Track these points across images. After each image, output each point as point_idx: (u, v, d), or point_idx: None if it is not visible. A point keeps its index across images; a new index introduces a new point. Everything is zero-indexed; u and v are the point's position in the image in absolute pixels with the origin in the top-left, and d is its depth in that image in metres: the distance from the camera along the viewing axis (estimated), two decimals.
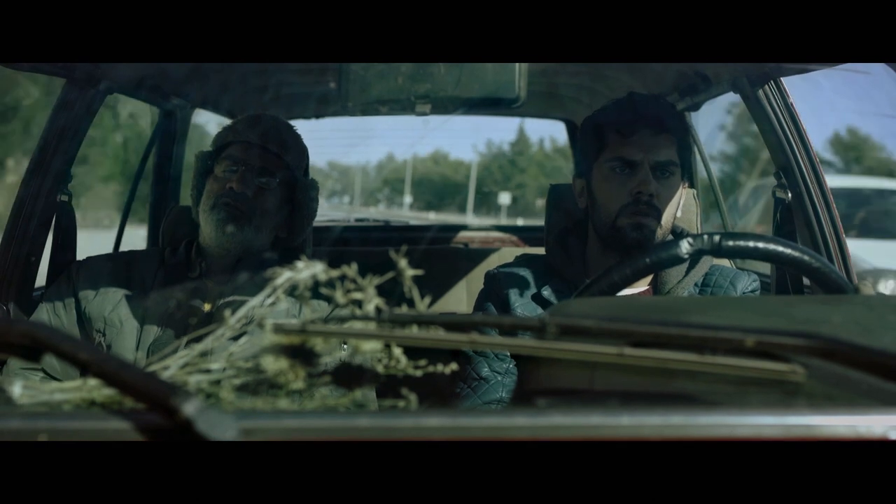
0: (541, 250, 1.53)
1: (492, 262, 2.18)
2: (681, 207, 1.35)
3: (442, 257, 2.35)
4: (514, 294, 1.36)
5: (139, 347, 1.36)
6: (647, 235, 1.27)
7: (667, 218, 1.30)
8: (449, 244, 2.70)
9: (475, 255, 2.37)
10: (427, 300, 0.63)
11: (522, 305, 1.34)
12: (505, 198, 29.71)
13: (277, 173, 1.44)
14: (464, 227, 2.85)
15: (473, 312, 1.43)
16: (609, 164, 1.31)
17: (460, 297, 2.26)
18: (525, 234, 2.80)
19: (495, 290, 1.38)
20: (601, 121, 1.35)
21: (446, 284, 2.28)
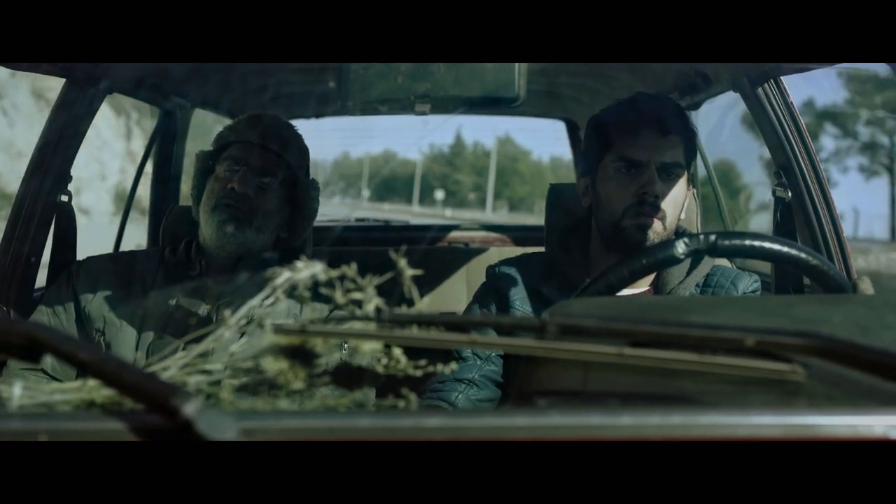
0: (540, 250, 1.53)
1: (491, 261, 2.18)
2: (685, 210, 1.35)
3: (441, 257, 2.35)
4: (513, 289, 1.36)
5: (139, 348, 1.36)
6: (650, 236, 1.27)
7: (671, 220, 1.29)
8: (448, 244, 2.70)
9: (475, 255, 2.37)
10: (427, 300, 0.63)
11: (522, 301, 1.34)
12: (439, 194, 40.06)
13: (278, 173, 1.44)
14: (462, 227, 2.86)
15: (470, 305, 1.43)
16: (615, 164, 1.30)
17: (459, 297, 2.26)
18: (524, 234, 2.80)
19: (495, 285, 1.39)
20: (608, 120, 1.35)
21: (446, 284, 2.28)
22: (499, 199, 42.70)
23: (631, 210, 1.28)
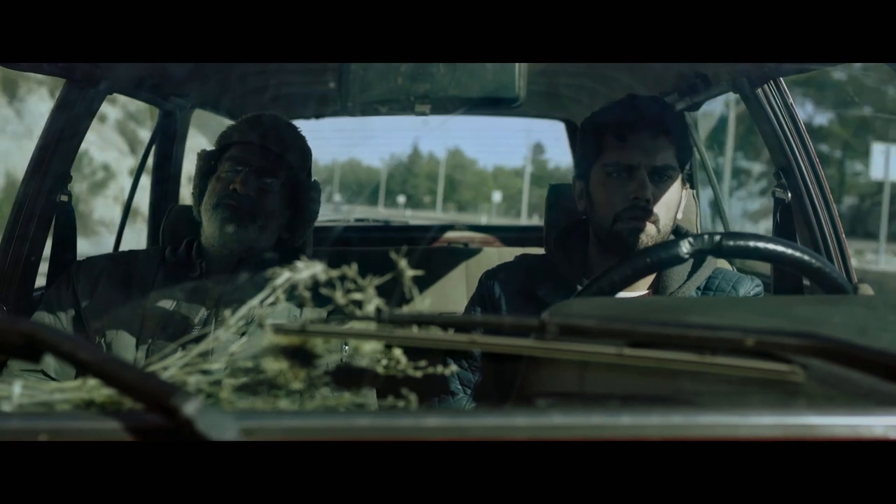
0: (541, 250, 1.53)
1: (492, 262, 2.18)
2: (682, 210, 1.35)
3: (441, 257, 2.36)
4: (508, 292, 1.36)
5: (139, 347, 1.36)
6: (643, 240, 1.27)
7: (665, 222, 1.29)
8: (448, 244, 2.70)
9: (474, 255, 2.37)
10: (426, 300, 0.63)
11: (516, 304, 1.34)
12: (401, 198, 47.44)
13: (280, 174, 1.44)
14: (462, 228, 2.86)
15: (465, 311, 1.44)
16: (606, 169, 1.31)
17: (459, 297, 2.26)
18: (524, 235, 2.80)
19: (489, 289, 1.39)
20: (599, 123, 1.35)
21: (445, 284, 2.29)
22: (448, 201, 50.96)
23: (624, 214, 1.28)
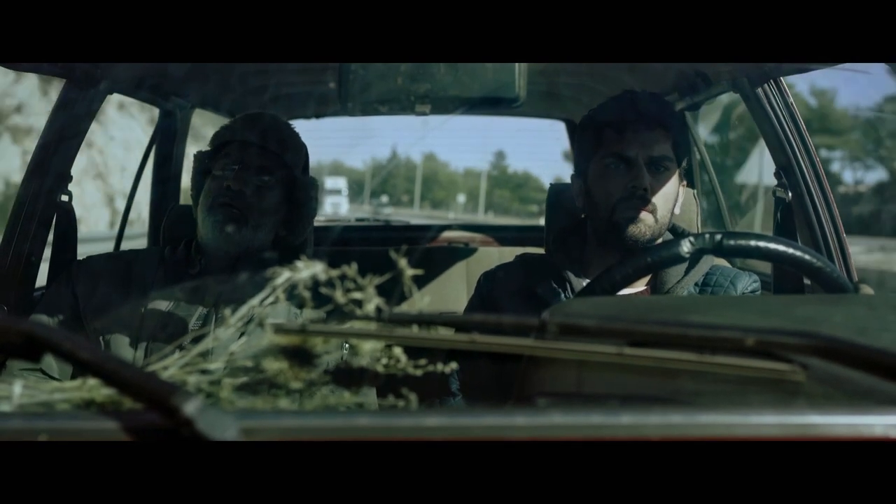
0: (541, 249, 1.54)
1: (492, 261, 2.18)
2: (679, 205, 1.36)
3: (441, 256, 2.36)
4: (507, 293, 1.36)
5: (138, 347, 1.36)
6: (642, 229, 1.28)
7: (663, 213, 1.30)
8: (448, 243, 2.70)
9: (474, 255, 2.37)
10: (426, 299, 0.63)
11: (516, 305, 1.35)
12: (384, 198, 51.87)
13: (275, 171, 1.43)
14: (462, 228, 2.86)
15: (465, 313, 1.44)
16: (605, 161, 1.32)
17: (459, 296, 2.26)
18: (524, 234, 2.80)
19: (488, 291, 1.39)
20: (596, 119, 1.37)
21: (445, 283, 2.29)
22: (424, 200, 56.35)
23: (621, 204, 1.29)
